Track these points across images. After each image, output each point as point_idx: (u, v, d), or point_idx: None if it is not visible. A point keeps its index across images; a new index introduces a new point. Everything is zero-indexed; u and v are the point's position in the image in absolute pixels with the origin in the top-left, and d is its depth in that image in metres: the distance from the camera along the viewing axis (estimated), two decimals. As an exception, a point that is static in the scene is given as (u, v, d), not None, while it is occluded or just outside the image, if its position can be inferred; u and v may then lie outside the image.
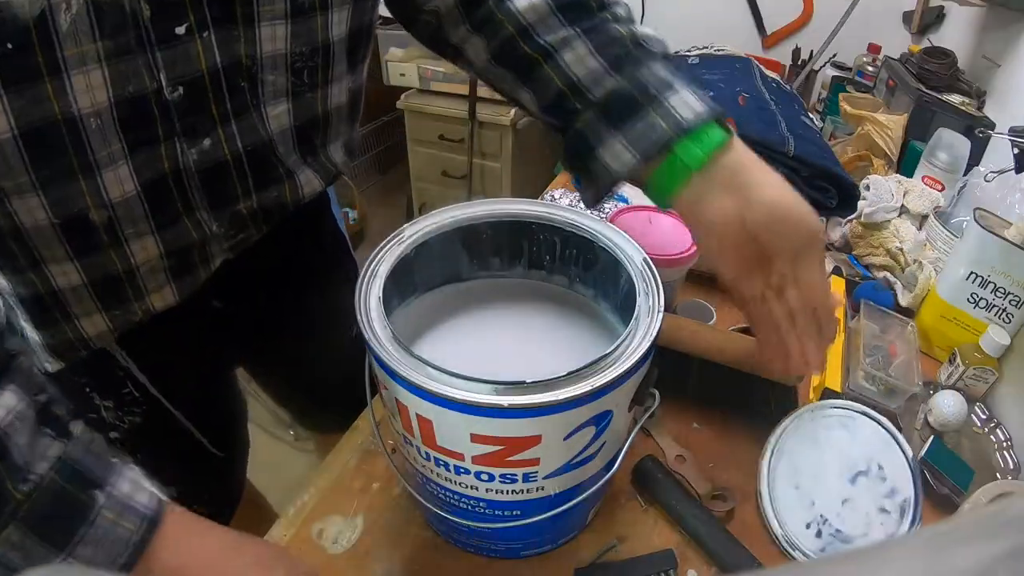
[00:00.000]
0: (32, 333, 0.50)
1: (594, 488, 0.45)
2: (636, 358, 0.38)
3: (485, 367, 0.48)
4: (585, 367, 0.37)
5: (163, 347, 0.58)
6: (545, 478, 0.41)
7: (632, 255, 0.46)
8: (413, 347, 0.38)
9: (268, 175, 0.53)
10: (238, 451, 0.77)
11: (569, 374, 0.36)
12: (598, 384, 0.36)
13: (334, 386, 0.72)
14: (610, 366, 0.37)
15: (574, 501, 0.44)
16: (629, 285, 0.44)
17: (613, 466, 0.47)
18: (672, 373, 0.62)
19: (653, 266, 0.44)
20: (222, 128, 0.47)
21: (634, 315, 0.41)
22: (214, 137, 0.46)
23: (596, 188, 0.46)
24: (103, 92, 0.39)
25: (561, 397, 0.35)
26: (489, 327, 0.52)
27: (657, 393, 0.45)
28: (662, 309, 0.41)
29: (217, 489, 0.74)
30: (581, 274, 0.53)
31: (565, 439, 0.38)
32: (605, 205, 0.82)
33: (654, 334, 0.39)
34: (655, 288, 0.43)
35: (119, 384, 0.57)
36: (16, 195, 0.40)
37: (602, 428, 0.40)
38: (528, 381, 0.35)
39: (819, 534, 0.51)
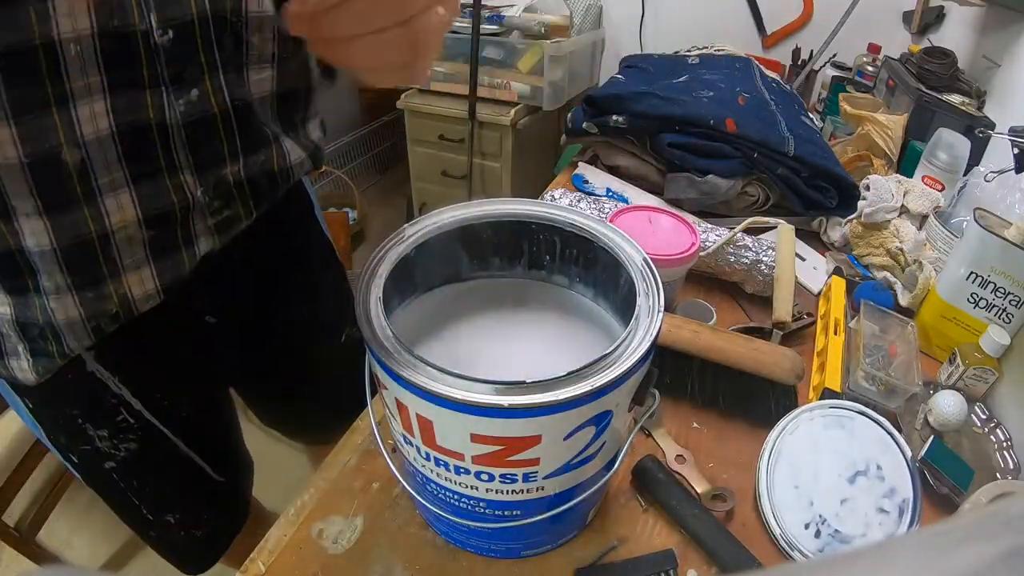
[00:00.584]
0: (3, 308, 0.48)
1: (594, 488, 0.45)
2: (636, 358, 0.38)
3: (485, 367, 0.48)
4: (585, 367, 0.37)
5: (156, 367, 0.58)
6: (545, 478, 0.41)
7: (632, 255, 0.46)
8: (413, 347, 0.38)
9: (256, 136, 0.52)
10: (241, 472, 0.76)
11: (569, 374, 0.36)
12: (598, 384, 0.36)
13: (328, 387, 0.72)
14: (610, 366, 0.37)
15: (574, 501, 0.44)
16: (629, 285, 0.44)
17: (613, 466, 0.47)
18: (672, 373, 0.62)
19: (653, 266, 0.44)
20: (210, 79, 0.46)
21: (634, 315, 0.41)
22: (202, 88, 0.46)
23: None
24: (85, 19, 0.39)
25: (561, 397, 0.35)
26: (489, 327, 0.52)
27: (657, 393, 0.45)
28: (662, 309, 0.41)
29: (219, 511, 0.72)
30: (581, 274, 0.53)
31: (565, 439, 0.38)
32: (605, 205, 0.82)
33: (654, 334, 0.39)
34: (655, 288, 0.43)
35: (112, 412, 0.57)
36: None
37: (602, 428, 0.40)
38: (528, 381, 0.35)
39: (818, 534, 0.51)
